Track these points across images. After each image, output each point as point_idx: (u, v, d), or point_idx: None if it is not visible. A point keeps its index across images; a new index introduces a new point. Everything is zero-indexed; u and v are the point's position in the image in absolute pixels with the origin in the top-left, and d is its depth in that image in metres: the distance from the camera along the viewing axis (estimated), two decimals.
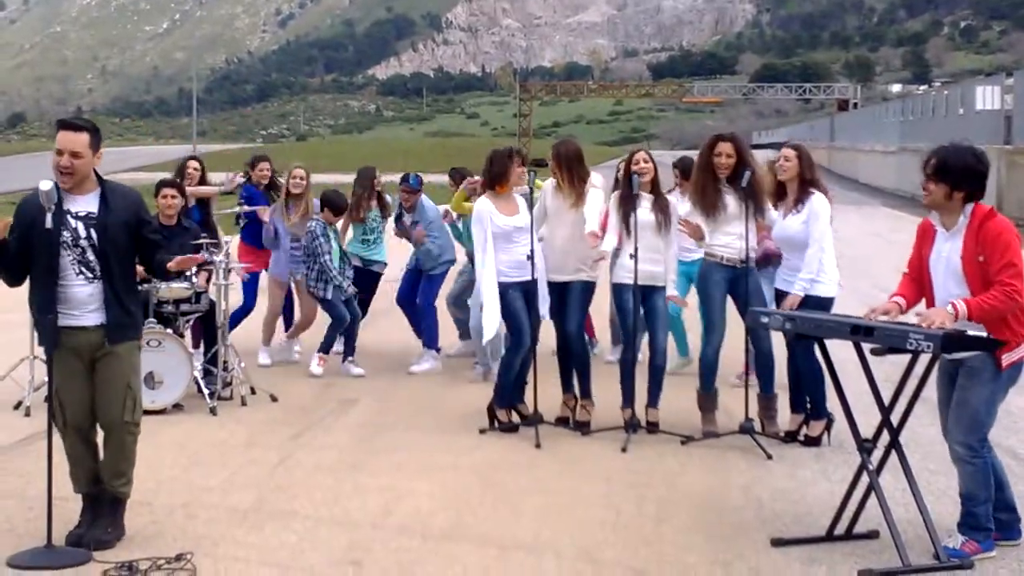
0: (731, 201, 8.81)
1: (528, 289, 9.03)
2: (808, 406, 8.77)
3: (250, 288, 11.98)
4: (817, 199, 8.62)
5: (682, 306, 9.71)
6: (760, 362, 8.94)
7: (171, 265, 6.48)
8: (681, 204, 9.50)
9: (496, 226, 9.05)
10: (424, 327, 11.99)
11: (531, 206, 9.18)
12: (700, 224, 8.84)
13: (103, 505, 6.40)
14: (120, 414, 6.32)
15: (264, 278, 12.25)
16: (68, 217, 6.22)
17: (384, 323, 13.39)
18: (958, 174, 6.21)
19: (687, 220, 8.94)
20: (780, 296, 8.71)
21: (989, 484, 6.28)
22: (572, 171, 9.19)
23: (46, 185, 6.09)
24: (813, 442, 8.67)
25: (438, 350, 11.95)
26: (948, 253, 6.29)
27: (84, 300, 6.25)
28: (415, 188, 11.96)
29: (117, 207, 6.31)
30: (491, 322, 9.04)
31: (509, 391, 9.21)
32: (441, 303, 12.17)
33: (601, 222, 8.95)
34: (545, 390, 9.18)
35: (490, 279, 8.99)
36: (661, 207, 9.08)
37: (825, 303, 8.52)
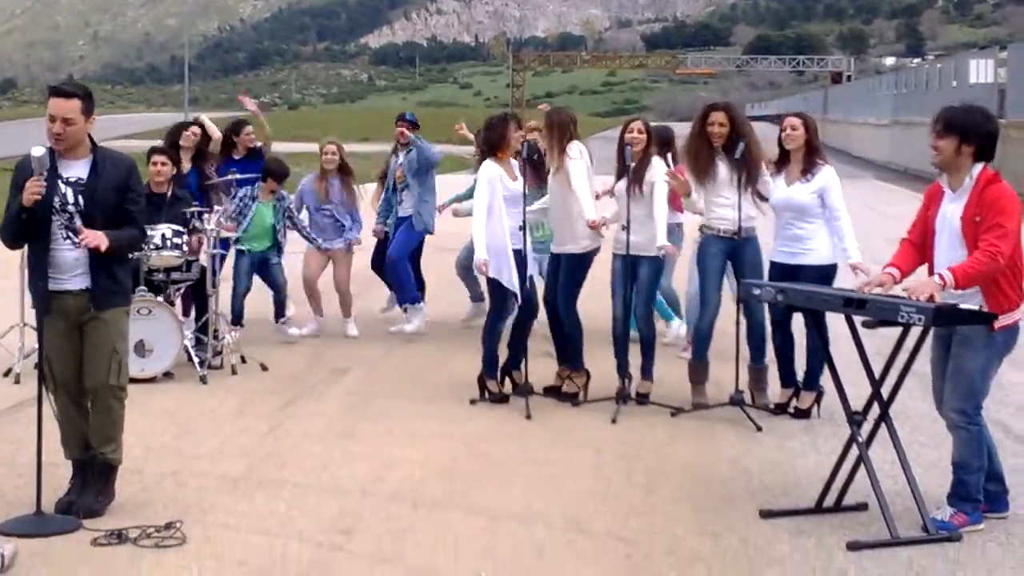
0: (723, 169, 8.79)
1: (517, 259, 9.01)
2: (799, 378, 8.78)
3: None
4: (828, 171, 8.63)
5: (674, 255, 9.51)
6: (752, 333, 8.95)
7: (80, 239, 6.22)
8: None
9: (507, 189, 9.01)
10: (397, 283, 11.92)
11: (524, 173, 9.17)
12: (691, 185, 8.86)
13: (93, 472, 6.40)
14: (105, 377, 6.30)
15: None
16: (59, 182, 6.20)
17: (375, 292, 13.37)
18: (967, 128, 6.20)
19: (674, 172, 8.94)
20: (777, 268, 8.66)
21: (982, 453, 6.30)
22: (560, 139, 9.15)
23: (38, 151, 6.07)
24: (803, 414, 8.68)
25: (419, 300, 11.90)
26: (951, 215, 6.29)
27: (71, 265, 6.24)
28: (411, 122, 11.94)
29: (106, 173, 6.29)
30: (512, 285, 8.98)
31: (496, 359, 9.19)
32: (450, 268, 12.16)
33: (600, 192, 8.93)
34: (535, 361, 9.18)
35: (503, 241, 8.92)
36: (640, 174, 9.02)
37: (828, 271, 8.53)
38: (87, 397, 6.40)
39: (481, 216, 8.97)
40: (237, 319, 11.25)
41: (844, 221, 8.56)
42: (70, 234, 6.21)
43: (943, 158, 6.29)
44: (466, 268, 11.89)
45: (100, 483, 6.39)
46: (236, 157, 11.90)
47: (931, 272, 6.40)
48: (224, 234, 10.53)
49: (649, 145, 9.11)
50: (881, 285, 6.38)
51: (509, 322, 9.32)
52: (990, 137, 6.25)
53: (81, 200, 6.22)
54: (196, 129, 11.70)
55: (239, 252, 11.38)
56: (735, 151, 8.66)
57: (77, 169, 6.27)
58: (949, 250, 6.28)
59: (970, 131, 6.21)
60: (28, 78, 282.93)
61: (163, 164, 10.16)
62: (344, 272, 11.88)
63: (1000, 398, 8.92)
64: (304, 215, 11.95)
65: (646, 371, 9.11)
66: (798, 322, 8.54)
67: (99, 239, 6.10)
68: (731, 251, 8.89)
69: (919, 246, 6.51)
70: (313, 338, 11.56)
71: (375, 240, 12.49)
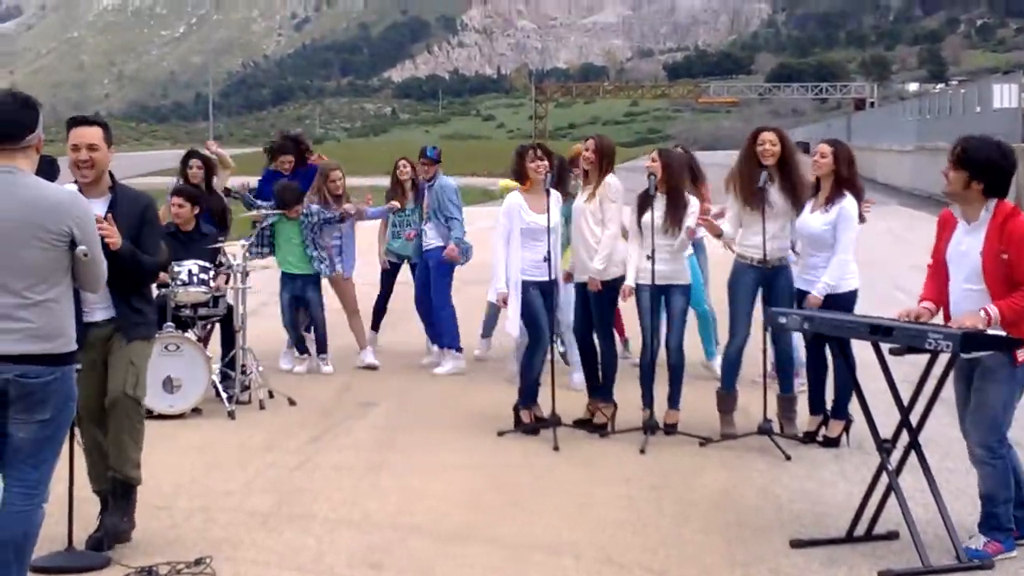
0: (777, 198, 8.77)
1: (546, 289, 9.03)
2: (828, 406, 8.74)
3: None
4: (848, 202, 8.51)
5: (624, 299, 9.46)
6: (780, 362, 8.92)
7: None
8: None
9: (524, 221, 9.03)
10: (442, 328, 11.84)
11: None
12: (729, 218, 8.86)
13: (114, 494, 6.42)
14: (122, 386, 6.35)
15: None
16: None
17: (403, 324, 13.39)
18: (978, 165, 6.17)
19: (705, 217, 8.94)
20: (801, 296, 8.65)
21: (1009, 484, 6.26)
22: (606, 167, 9.17)
23: (70, 186, 6.14)
24: (832, 443, 8.63)
25: (459, 349, 11.79)
26: (967, 248, 6.26)
27: (94, 300, 6.32)
28: (431, 158, 11.87)
29: (124, 212, 6.36)
30: (514, 319, 9.05)
31: (532, 391, 9.20)
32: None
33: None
34: (563, 392, 9.18)
35: (514, 274, 8.97)
36: (675, 207, 9.00)
37: (850, 297, 8.49)
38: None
39: (500, 247, 9.01)
40: (300, 346, 11.77)
41: (839, 257, 8.47)
42: None
43: (952, 189, 6.28)
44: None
45: (123, 504, 6.41)
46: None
47: (947, 304, 6.37)
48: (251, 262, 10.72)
49: (670, 176, 9.04)
50: (919, 318, 6.35)
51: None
52: (1002, 174, 6.18)
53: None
54: (199, 162, 11.72)
55: (282, 282, 11.54)
56: (760, 181, 8.62)
57: (96, 207, 6.32)
58: (966, 282, 6.25)
59: (982, 168, 6.17)
60: (54, 118, 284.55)
61: (180, 206, 10.19)
62: (349, 297, 11.96)
63: None
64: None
65: (674, 401, 9.08)
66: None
67: (115, 236, 6.11)
68: (763, 281, 8.86)
69: (940, 275, 6.48)
70: (344, 370, 11.60)
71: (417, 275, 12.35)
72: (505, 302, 9.12)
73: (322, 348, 11.58)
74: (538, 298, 9.06)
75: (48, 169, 6.74)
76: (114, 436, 6.42)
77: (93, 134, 6.33)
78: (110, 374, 6.39)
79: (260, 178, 12.49)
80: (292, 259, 11.53)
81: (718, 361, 11.16)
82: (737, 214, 8.96)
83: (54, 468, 5.32)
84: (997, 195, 6.21)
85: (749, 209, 8.81)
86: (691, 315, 10.54)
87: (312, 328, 11.71)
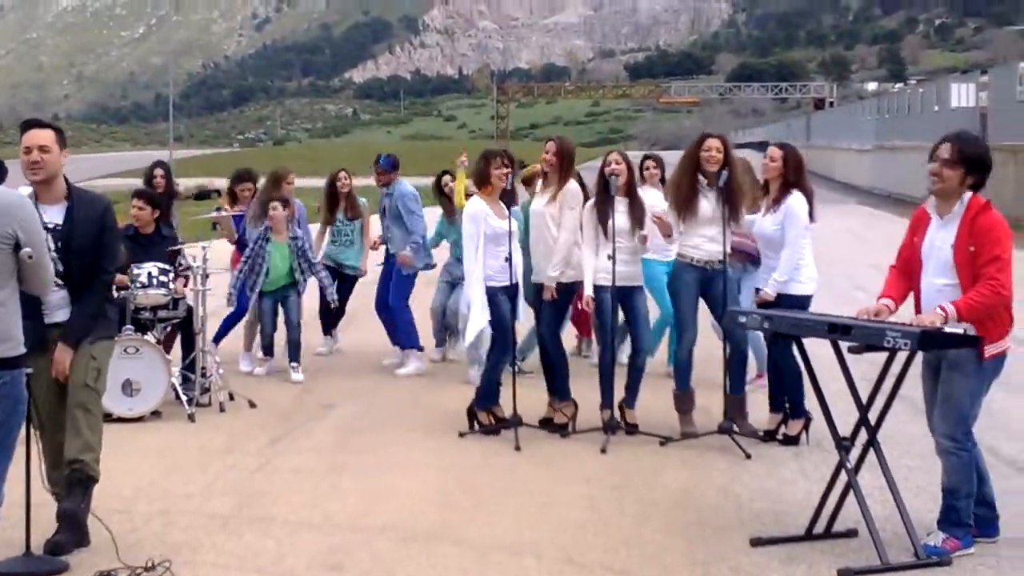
0: (705, 204, 8.79)
1: (510, 293, 9.04)
2: (787, 405, 8.78)
3: (243, 293, 11.87)
4: (794, 199, 8.59)
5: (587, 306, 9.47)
6: (732, 361, 8.94)
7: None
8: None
9: (489, 227, 9.02)
10: (400, 329, 11.89)
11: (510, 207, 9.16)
12: (671, 222, 8.85)
13: (71, 484, 6.33)
14: (83, 377, 6.31)
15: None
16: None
17: (362, 327, 13.37)
18: (973, 161, 6.23)
19: (659, 216, 8.94)
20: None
21: (972, 479, 6.30)
22: (567, 169, 9.20)
23: (25, 191, 6.12)
24: (792, 441, 8.68)
25: (420, 348, 11.84)
26: (940, 242, 6.30)
27: (55, 303, 6.29)
28: (384, 168, 11.94)
29: (81, 218, 6.32)
30: (476, 323, 9.04)
31: (492, 393, 9.20)
32: (425, 309, 12.17)
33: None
34: (524, 391, 9.18)
35: (479, 281, 8.97)
36: (636, 210, 9.04)
37: (803, 301, 8.54)
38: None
39: (472, 253, 8.99)
40: (268, 351, 11.72)
41: (787, 252, 8.53)
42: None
43: (945, 186, 6.27)
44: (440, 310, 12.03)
45: (79, 493, 6.34)
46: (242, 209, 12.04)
47: (917, 299, 6.42)
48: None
49: (631, 176, 9.13)
50: (877, 315, 6.39)
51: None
52: (988, 170, 6.28)
53: (58, 246, 6.25)
54: (161, 171, 11.76)
55: (262, 293, 11.45)
56: (719, 180, 8.67)
57: (53, 214, 6.30)
58: (936, 277, 6.30)
59: (976, 164, 6.23)
60: (13, 119, 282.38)
61: (140, 208, 10.14)
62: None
63: (990, 424, 8.92)
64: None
65: (631, 400, 9.10)
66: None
67: (64, 363, 6.21)
68: (704, 281, 8.89)
69: (906, 273, 6.52)
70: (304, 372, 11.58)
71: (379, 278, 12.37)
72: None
73: (295, 356, 11.45)
74: (505, 303, 9.05)
75: None
76: (73, 429, 6.36)
77: (45, 136, 6.28)
78: (71, 370, 6.34)
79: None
80: (274, 277, 11.45)
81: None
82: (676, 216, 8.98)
83: (6, 471, 5.27)
84: (978, 188, 6.27)
85: (680, 219, 8.85)
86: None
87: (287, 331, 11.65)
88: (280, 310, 11.59)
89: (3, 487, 5.25)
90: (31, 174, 6.28)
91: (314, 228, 12.83)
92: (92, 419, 6.40)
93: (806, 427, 8.71)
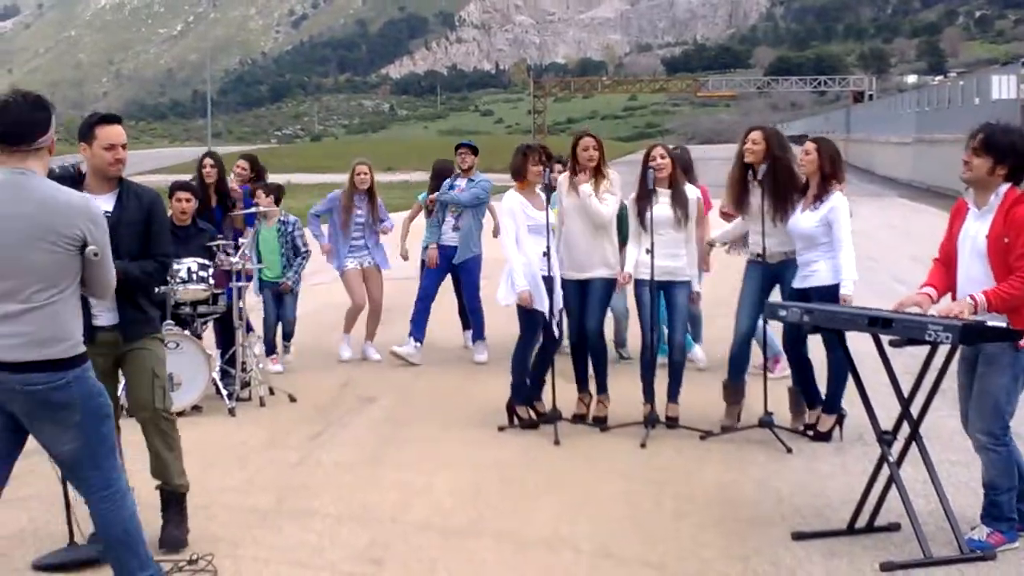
0: (754, 199, 8.76)
1: (547, 286, 9.01)
2: (823, 400, 8.72)
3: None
4: (837, 198, 8.47)
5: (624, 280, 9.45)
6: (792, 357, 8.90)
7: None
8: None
9: (529, 217, 9.03)
10: (474, 322, 12.15)
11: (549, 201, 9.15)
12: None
13: (167, 505, 6.46)
14: (151, 402, 6.34)
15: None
16: None
17: (401, 321, 13.38)
18: (1004, 149, 6.17)
19: (726, 212, 9.07)
20: (797, 294, 8.56)
21: (1012, 473, 6.25)
22: (604, 162, 9.24)
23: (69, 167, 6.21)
24: (822, 437, 8.61)
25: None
26: (975, 232, 6.26)
27: (104, 304, 6.24)
28: (472, 147, 12.25)
29: (130, 207, 6.33)
30: (506, 291, 9.05)
31: (525, 386, 9.19)
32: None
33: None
34: (563, 387, 9.18)
35: (520, 268, 8.92)
36: (679, 202, 9.02)
37: (832, 291, 8.42)
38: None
39: (513, 247, 8.98)
40: (270, 350, 11.59)
41: (844, 252, 8.39)
42: None
43: (974, 175, 6.25)
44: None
45: (176, 514, 6.45)
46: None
47: (954, 291, 6.38)
48: (247, 265, 10.59)
49: (675, 169, 9.11)
50: (918, 305, 6.34)
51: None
52: (1021, 159, 6.22)
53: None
54: (211, 161, 11.68)
55: (263, 283, 11.54)
56: (759, 174, 8.63)
57: (103, 203, 6.30)
58: (971, 267, 6.26)
59: (1007, 153, 6.18)
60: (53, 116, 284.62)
61: (187, 200, 10.13)
62: (379, 290, 12.15)
63: None
64: (326, 228, 12.26)
65: (673, 395, 9.09)
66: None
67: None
68: (770, 276, 8.85)
69: (948, 265, 6.48)
70: (343, 366, 11.63)
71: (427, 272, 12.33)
72: (527, 300, 9.00)
73: (286, 340, 11.83)
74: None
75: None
76: (154, 451, 6.43)
77: (123, 133, 6.34)
78: (134, 390, 6.38)
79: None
80: (268, 263, 11.61)
81: (696, 351, 11.22)
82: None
83: (117, 460, 5.28)
84: (1015, 180, 6.22)
85: (737, 213, 8.94)
86: None
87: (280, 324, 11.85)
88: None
89: (119, 473, 5.24)
90: (113, 170, 6.29)
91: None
92: (169, 439, 6.45)
93: (839, 423, 8.65)
